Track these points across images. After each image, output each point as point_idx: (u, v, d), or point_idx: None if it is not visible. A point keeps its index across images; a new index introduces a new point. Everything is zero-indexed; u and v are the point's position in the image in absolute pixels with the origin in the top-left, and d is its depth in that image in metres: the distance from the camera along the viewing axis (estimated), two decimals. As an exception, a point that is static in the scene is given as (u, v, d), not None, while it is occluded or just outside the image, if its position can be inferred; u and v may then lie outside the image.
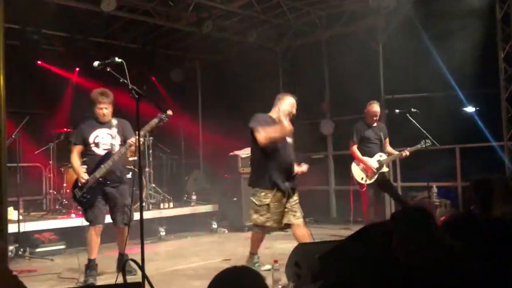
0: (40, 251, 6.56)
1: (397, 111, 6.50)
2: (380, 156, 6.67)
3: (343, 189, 8.64)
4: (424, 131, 6.27)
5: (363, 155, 6.62)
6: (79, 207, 5.31)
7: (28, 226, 6.65)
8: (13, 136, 6.29)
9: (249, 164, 8.62)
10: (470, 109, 8.40)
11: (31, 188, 8.15)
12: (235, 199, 8.64)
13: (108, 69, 3.86)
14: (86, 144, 5.14)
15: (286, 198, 5.08)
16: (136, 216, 4.69)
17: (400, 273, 2.59)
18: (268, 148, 4.99)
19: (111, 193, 5.14)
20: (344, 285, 3.15)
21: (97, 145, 5.14)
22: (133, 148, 4.95)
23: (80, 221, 7.09)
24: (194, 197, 8.96)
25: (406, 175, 8.37)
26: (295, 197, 5.22)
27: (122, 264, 4.09)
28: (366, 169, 6.60)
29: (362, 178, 6.61)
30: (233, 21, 8.98)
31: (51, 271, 5.57)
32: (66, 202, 7.85)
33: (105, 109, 5.15)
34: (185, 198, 9.32)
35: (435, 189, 7.37)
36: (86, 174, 5.05)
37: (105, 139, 5.18)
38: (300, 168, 5.25)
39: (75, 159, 5.17)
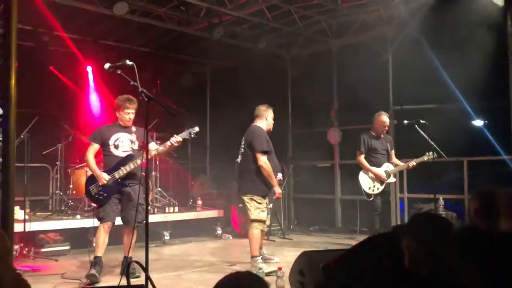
0: (44, 251, 6.59)
1: (405, 122, 6.47)
2: (387, 167, 6.68)
3: (348, 199, 8.61)
4: (432, 143, 6.24)
5: (371, 165, 6.62)
6: (92, 204, 5.54)
7: (34, 226, 6.66)
8: (22, 136, 6.32)
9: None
10: (479, 122, 8.36)
11: (37, 189, 8.17)
12: (240, 205, 8.62)
13: (118, 72, 3.88)
14: (105, 144, 5.38)
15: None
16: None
17: (408, 283, 2.58)
18: None
19: (127, 192, 5.33)
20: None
21: (116, 147, 5.39)
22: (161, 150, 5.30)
23: (85, 223, 7.16)
24: (199, 202, 8.96)
25: (413, 186, 8.33)
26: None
27: (126, 266, 4.08)
28: (375, 178, 6.58)
29: (370, 188, 6.58)
30: (243, 28, 9.02)
31: (55, 272, 5.58)
32: (72, 203, 7.88)
33: (131, 114, 5.41)
34: (190, 202, 9.31)
35: (442, 201, 7.32)
36: (106, 175, 5.25)
37: (125, 142, 5.43)
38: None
39: (91, 157, 5.37)
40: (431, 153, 6.37)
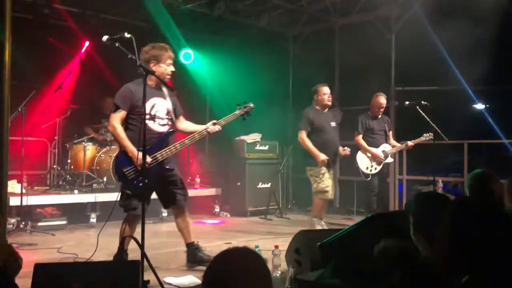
0: (41, 225, 6.60)
1: (407, 103, 6.42)
2: (385, 147, 6.73)
3: (346, 179, 8.58)
4: (433, 125, 6.20)
5: (368, 145, 6.67)
6: (125, 188, 4.23)
7: (31, 200, 6.63)
8: (19, 110, 6.25)
9: (255, 149, 8.73)
10: (480, 105, 8.31)
11: (35, 163, 8.14)
12: (239, 183, 8.63)
13: (117, 45, 3.78)
14: (135, 112, 4.25)
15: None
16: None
17: (409, 263, 2.56)
18: None
19: (168, 172, 4.42)
20: (342, 275, 3.13)
21: (153, 118, 4.32)
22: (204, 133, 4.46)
23: (83, 198, 7.15)
24: (198, 180, 8.94)
25: (412, 168, 8.30)
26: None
27: (121, 241, 4.04)
28: (373, 158, 6.58)
29: (367, 168, 6.62)
30: (246, 4, 8.87)
31: (52, 246, 5.59)
32: (70, 178, 7.85)
33: (172, 66, 4.40)
34: (188, 180, 9.29)
35: (440, 184, 7.31)
36: (148, 157, 4.06)
37: (161, 112, 4.40)
38: None
39: (121, 129, 4.23)
40: (429, 134, 6.39)
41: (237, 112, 4.67)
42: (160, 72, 4.31)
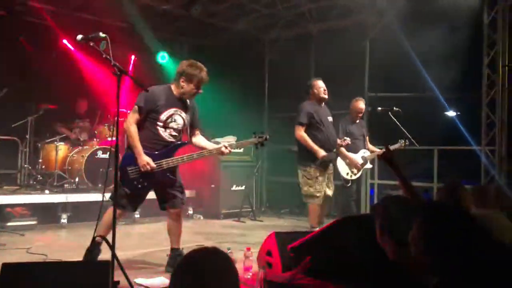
0: (10, 225, 6.48)
1: (379, 108, 6.55)
2: (364, 153, 6.71)
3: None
4: (404, 131, 6.32)
5: (348, 150, 6.58)
6: (124, 186, 4.30)
7: (0, 200, 6.54)
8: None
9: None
10: (451, 112, 8.48)
11: (5, 162, 8.00)
12: (213, 186, 8.63)
13: (91, 44, 3.76)
14: (151, 117, 4.36)
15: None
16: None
17: (374, 263, 2.62)
18: None
19: (171, 176, 4.48)
20: (313, 276, 3.16)
21: (166, 126, 4.40)
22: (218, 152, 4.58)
23: (54, 198, 7.05)
24: (171, 181, 8.90)
25: (384, 173, 8.41)
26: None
27: (92, 242, 4.00)
28: (351, 165, 6.57)
29: (348, 174, 6.57)
30: (222, 7, 8.89)
31: (21, 246, 5.49)
32: (41, 178, 7.74)
33: (200, 90, 4.51)
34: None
35: (411, 189, 7.42)
36: (151, 161, 4.27)
37: (176, 123, 4.46)
38: None
39: (135, 128, 4.32)
40: (404, 140, 6.47)
41: (252, 139, 4.73)
42: (187, 91, 4.45)
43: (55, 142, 7.67)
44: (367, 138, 6.95)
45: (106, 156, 7.61)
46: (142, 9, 8.81)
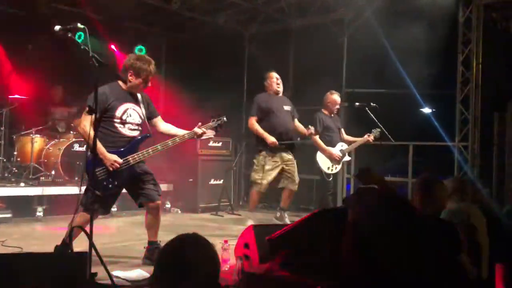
0: (-16, 218, 6.40)
1: (356, 104, 6.62)
2: (342, 146, 6.76)
3: (307, 178, 8.64)
4: (380, 126, 6.42)
5: (326, 144, 6.64)
6: (94, 189, 4.11)
7: (-26, 192, 6.45)
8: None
9: (208, 146, 8.75)
10: (427, 109, 8.63)
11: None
12: (191, 180, 8.63)
13: (69, 35, 3.74)
14: (108, 117, 4.30)
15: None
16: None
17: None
18: None
19: (140, 170, 4.47)
20: (290, 268, 3.22)
21: (123, 122, 4.38)
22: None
23: (29, 191, 6.97)
24: (149, 175, 8.86)
25: (359, 168, 8.51)
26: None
27: (68, 233, 3.98)
28: (331, 158, 6.62)
29: (329, 168, 6.62)
30: (202, 1, 8.88)
31: (-4, 239, 5.43)
32: (16, 170, 7.64)
33: (149, 83, 4.47)
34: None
35: (386, 184, 7.53)
36: (117, 158, 4.25)
37: (133, 117, 4.44)
38: None
39: (91, 130, 4.03)
40: (376, 129, 6.56)
41: (211, 123, 4.75)
42: (134, 85, 4.42)
43: (31, 135, 7.57)
44: (343, 130, 7.02)
45: (83, 149, 7.55)
46: (121, 1, 8.74)
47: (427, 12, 7.24)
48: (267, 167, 6.04)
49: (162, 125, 4.73)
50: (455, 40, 7.68)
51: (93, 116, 3.97)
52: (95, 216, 4.22)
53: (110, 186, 4.30)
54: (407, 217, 1.98)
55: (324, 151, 6.59)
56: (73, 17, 8.48)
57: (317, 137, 6.60)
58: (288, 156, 6.24)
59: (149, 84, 4.51)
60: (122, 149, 4.35)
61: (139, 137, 4.48)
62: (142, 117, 4.55)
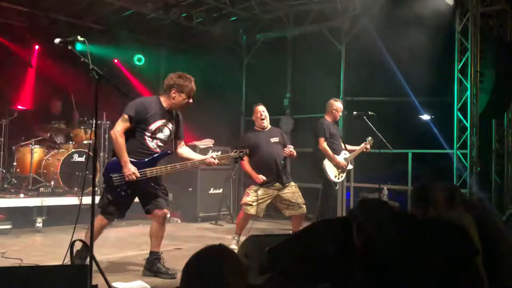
0: (-16, 229, 6.39)
1: (355, 113, 6.59)
2: (345, 154, 6.65)
3: (300, 186, 8.67)
4: (379, 134, 6.40)
5: (332, 152, 6.47)
6: (108, 193, 4.45)
7: (-26, 204, 6.45)
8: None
9: (207, 155, 8.72)
10: (426, 116, 8.65)
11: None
12: (190, 189, 8.63)
13: (69, 47, 3.75)
14: (139, 128, 4.46)
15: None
16: (87, 200, 4.57)
17: (350, 267, 2.68)
18: None
19: (154, 183, 4.56)
20: (289, 279, 3.21)
21: (153, 136, 4.52)
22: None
23: (29, 202, 6.97)
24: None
25: (359, 176, 8.54)
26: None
27: (70, 245, 3.99)
28: (338, 166, 6.49)
29: (336, 176, 6.48)
30: (200, 10, 8.93)
31: (-4, 250, 5.42)
32: (16, 181, 7.64)
33: (191, 100, 4.59)
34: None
35: (385, 191, 7.56)
36: (136, 169, 4.37)
37: (163, 134, 4.58)
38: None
39: (122, 137, 4.40)
40: (370, 138, 6.54)
41: (232, 154, 4.93)
42: (178, 101, 4.57)
43: (30, 145, 7.57)
44: (341, 138, 6.95)
45: (82, 159, 7.56)
46: (119, 11, 8.79)
47: (425, 20, 7.27)
48: (260, 192, 5.96)
49: (182, 149, 4.86)
50: (453, 48, 7.72)
51: (130, 125, 4.38)
52: (111, 220, 4.66)
53: (123, 193, 4.43)
54: (416, 226, 1.97)
55: (332, 159, 6.45)
56: (73, 27, 8.54)
57: (326, 145, 6.43)
58: (282, 184, 6.09)
59: (191, 101, 4.62)
60: (142, 161, 4.46)
61: (161, 153, 4.58)
62: (172, 135, 4.68)
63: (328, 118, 6.64)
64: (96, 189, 4.32)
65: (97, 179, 7.19)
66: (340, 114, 6.72)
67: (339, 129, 7.08)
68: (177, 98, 4.56)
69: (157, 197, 4.59)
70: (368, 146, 6.61)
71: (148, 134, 4.48)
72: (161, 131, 4.56)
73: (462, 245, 1.85)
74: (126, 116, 4.42)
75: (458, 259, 1.71)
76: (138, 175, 4.37)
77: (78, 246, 4.24)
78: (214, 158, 4.69)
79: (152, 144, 4.52)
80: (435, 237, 1.79)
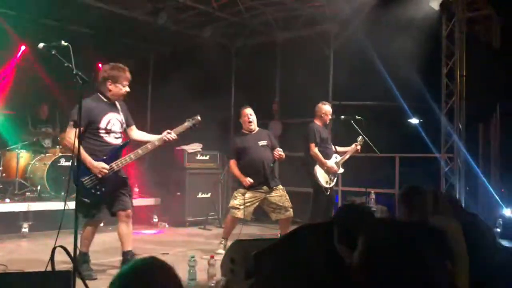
0: (-31, 235, 6.33)
1: (342, 117, 6.63)
2: (336, 158, 6.63)
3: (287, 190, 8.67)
4: (366, 138, 6.44)
5: (323, 157, 6.46)
6: (84, 197, 4.46)
7: (-42, 209, 6.37)
8: None
9: (195, 159, 8.73)
10: (414, 120, 8.70)
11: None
12: (178, 193, 8.60)
13: (53, 52, 3.74)
14: (92, 128, 4.56)
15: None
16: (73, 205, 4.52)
17: (331, 272, 2.68)
18: None
19: (120, 178, 4.74)
20: (274, 283, 3.21)
21: (108, 132, 4.66)
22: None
23: (14, 207, 6.90)
24: (136, 189, 8.83)
25: (346, 180, 8.55)
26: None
27: (52, 252, 3.96)
28: (330, 171, 6.47)
29: (327, 182, 6.46)
30: (189, 15, 8.92)
31: (-20, 257, 5.36)
32: (1, 186, 7.57)
33: (127, 87, 4.72)
34: (127, 189, 9.16)
35: (373, 195, 7.59)
36: (105, 164, 4.53)
37: (116, 126, 4.74)
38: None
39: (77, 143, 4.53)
40: (360, 138, 6.55)
41: (186, 124, 4.96)
42: (116, 92, 4.69)
43: (16, 150, 7.51)
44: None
45: (69, 163, 7.51)
46: (107, 16, 8.75)
47: (412, 25, 7.32)
48: (247, 195, 5.96)
49: (136, 133, 4.99)
50: (439, 53, 7.77)
51: (77, 129, 4.16)
52: (97, 222, 4.89)
53: (98, 193, 4.55)
54: (396, 230, 1.96)
55: (323, 165, 6.42)
56: (59, 31, 8.48)
57: (317, 150, 6.42)
58: (269, 188, 6.07)
59: (128, 89, 4.73)
60: (105, 158, 4.60)
61: (121, 144, 4.74)
62: (124, 125, 4.83)
63: (317, 122, 6.63)
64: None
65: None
66: (330, 117, 6.70)
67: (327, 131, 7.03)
68: (114, 89, 4.68)
69: (122, 198, 4.73)
70: (359, 147, 6.62)
71: (102, 131, 4.61)
72: (113, 124, 4.70)
73: (438, 250, 1.85)
74: (71, 122, 4.44)
75: (433, 263, 1.71)
76: (108, 167, 4.53)
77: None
78: (170, 133, 4.79)
79: (109, 139, 4.66)
80: (414, 240, 1.78)
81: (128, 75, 4.72)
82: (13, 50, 8.67)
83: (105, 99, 4.71)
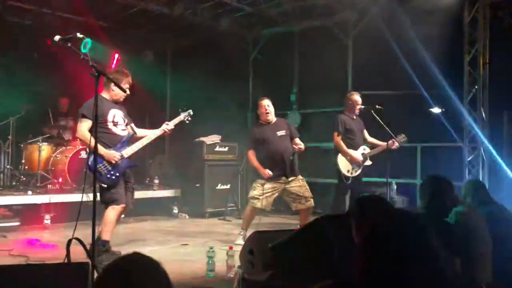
0: (-8, 227, 6.43)
1: (362, 106, 6.51)
2: (364, 150, 6.54)
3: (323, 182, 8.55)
4: (387, 128, 6.29)
5: (348, 147, 6.40)
6: (102, 182, 4.86)
7: (-18, 201, 6.49)
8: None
9: (214, 151, 8.74)
10: (436, 110, 8.53)
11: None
12: (198, 185, 8.62)
13: (69, 45, 3.76)
14: (101, 121, 4.86)
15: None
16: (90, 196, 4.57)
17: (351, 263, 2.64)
18: None
19: (128, 173, 5.19)
20: (292, 274, 3.19)
21: (115, 124, 5.07)
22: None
23: (36, 199, 7.00)
24: (156, 181, 8.89)
25: (367, 170, 8.43)
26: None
27: (67, 244, 4.00)
28: (352, 161, 6.40)
29: (348, 171, 6.39)
30: (206, 6, 8.88)
31: (3, 248, 5.45)
32: (24, 178, 7.68)
33: (128, 91, 5.03)
34: (147, 181, 9.24)
35: (394, 186, 7.47)
36: (116, 152, 4.92)
37: (120, 120, 5.14)
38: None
39: (90, 136, 4.65)
40: (402, 135, 6.41)
41: (181, 116, 5.41)
42: (117, 93, 5.04)
43: (38, 143, 7.61)
44: (365, 132, 6.74)
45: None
46: (124, 8, 8.77)
47: (433, 11, 7.15)
48: (266, 186, 5.94)
49: (136, 130, 5.31)
50: (462, 40, 7.60)
51: (91, 122, 4.78)
52: (121, 210, 5.03)
53: (114, 177, 4.91)
54: (411, 221, 1.91)
55: (345, 154, 6.36)
56: (78, 25, 8.52)
57: (339, 139, 6.38)
58: (288, 179, 6.03)
59: (128, 92, 5.05)
60: (116, 147, 5.01)
61: (129, 135, 5.13)
62: (125, 122, 5.20)
63: (346, 113, 6.60)
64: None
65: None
66: (359, 107, 6.54)
67: (360, 122, 6.78)
68: (115, 91, 5.04)
69: (126, 193, 5.10)
70: (396, 145, 6.33)
71: (110, 123, 5.00)
72: (118, 118, 5.09)
73: (444, 242, 1.79)
74: (82, 116, 4.88)
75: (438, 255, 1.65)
76: (119, 154, 4.92)
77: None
78: (168, 124, 5.26)
79: (117, 130, 5.05)
80: (425, 230, 1.73)
81: (130, 79, 5.10)
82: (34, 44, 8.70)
83: (108, 98, 5.10)
